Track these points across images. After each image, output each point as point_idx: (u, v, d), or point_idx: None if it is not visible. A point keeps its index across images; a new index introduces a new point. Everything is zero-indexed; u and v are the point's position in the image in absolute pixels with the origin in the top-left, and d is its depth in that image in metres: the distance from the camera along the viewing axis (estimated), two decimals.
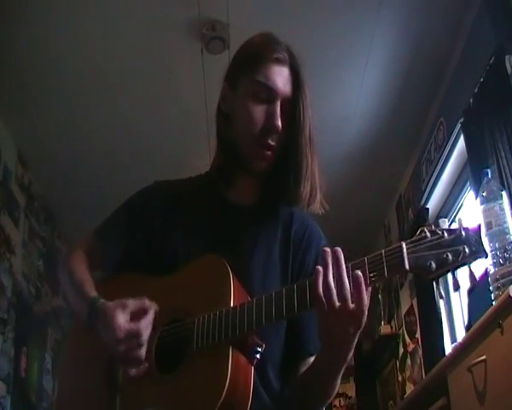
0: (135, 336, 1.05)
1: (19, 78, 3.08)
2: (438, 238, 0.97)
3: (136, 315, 1.07)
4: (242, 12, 2.74)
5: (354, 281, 0.96)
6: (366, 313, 0.97)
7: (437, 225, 0.99)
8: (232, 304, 1.06)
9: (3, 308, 3.18)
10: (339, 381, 1.13)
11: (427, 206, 3.46)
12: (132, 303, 1.08)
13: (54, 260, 4.02)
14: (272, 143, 1.22)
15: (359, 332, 1.00)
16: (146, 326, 1.06)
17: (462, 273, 0.98)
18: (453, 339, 3.20)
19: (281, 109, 1.22)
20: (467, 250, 0.95)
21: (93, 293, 1.16)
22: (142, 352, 1.05)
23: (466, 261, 0.95)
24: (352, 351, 1.03)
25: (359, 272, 0.96)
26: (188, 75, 3.10)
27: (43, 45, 2.90)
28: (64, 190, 3.91)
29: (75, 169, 3.73)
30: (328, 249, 0.99)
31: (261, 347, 1.05)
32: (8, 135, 3.42)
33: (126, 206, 1.34)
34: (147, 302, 1.09)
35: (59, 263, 1.38)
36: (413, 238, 0.98)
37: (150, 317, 1.08)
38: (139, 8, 2.74)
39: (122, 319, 1.05)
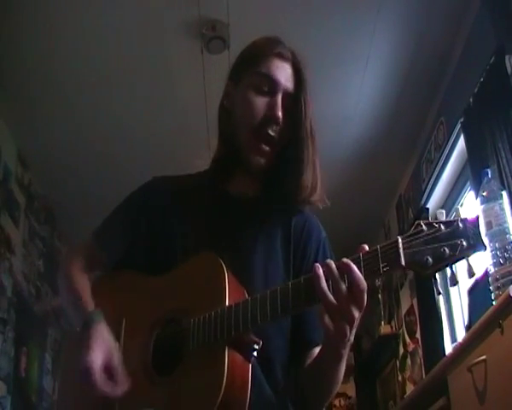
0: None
1: (19, 78, 3.08)
2: (434, 232, 0.94)
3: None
4: (242, 12, 2.74)
5: (343, 267, 0.95)
6: (366, 293, 0.95)
7: (434, 218, 0.95)
8: (227, 303, 1.05)
9: (3, 308, 3.18)
10: (342, 374, 1.12)
11: (427, 206, 3.45)
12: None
13: (54, 260, 4.02)
14: (272, 134, 1.22)
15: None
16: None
17: (461, 268, 0.95)
18: (453, 339, 3.20)
19: (282, 104, 1.22)
20: (464, 243, 0.91)
21: (90, 306, 1.17)
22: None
23: (464, 255, 0.92)
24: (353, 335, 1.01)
25: (345, 260, 0.96)
26: (188, 75, 3.10)
27: (44, 45, 2.90)
28: (64, 190, 3.91)
29: (75, 169, 3.73)
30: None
31: (258, 344, 1.04)
32: (8, 135, 3.42)
33: (125, 205, 1.34)
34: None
35: (58, 268, 1.39)
36: (409, 232, 0.95)
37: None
38: (139, 7, 2.74)
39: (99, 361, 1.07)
